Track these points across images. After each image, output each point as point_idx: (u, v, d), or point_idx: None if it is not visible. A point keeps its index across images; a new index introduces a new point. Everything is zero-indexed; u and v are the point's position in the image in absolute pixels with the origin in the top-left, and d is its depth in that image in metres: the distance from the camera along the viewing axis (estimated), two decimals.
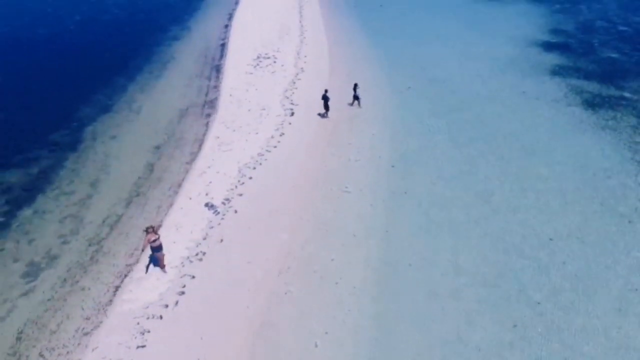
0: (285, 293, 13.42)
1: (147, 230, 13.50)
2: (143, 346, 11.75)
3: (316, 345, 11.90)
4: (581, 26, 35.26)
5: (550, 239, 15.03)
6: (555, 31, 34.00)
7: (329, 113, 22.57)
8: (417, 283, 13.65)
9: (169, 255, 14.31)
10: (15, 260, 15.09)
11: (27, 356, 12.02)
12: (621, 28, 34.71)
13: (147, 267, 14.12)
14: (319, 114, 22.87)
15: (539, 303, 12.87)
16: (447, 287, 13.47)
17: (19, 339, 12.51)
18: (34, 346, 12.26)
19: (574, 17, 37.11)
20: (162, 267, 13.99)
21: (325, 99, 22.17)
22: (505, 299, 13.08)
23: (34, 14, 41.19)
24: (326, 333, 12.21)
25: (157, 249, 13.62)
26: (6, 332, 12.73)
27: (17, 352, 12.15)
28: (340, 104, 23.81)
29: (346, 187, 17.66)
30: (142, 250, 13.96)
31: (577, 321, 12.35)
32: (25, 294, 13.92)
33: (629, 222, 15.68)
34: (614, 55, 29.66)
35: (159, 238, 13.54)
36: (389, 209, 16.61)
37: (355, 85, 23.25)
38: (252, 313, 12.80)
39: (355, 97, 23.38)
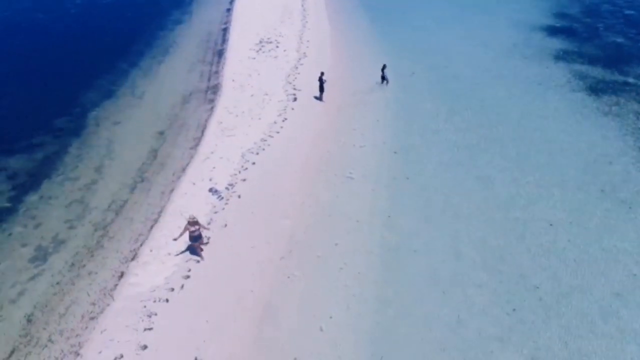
0: (289, 277, 13.64)
1: (189, 222, 13.71)
2: (150, 329, 12.01)
3: (321, 330, 12.14)
4: (586, 10, 34.93)
5: (551, 225, 15.19)
6: (559, 15, 33.70)
7: (324, 96, 22.77)
8: (420, 268, 13.85)
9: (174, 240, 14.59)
10: (23, 245, 15.33)
11: (38, 338, 12.32)
12: (627, 12, 34.38)
13: (182, 252, 14.33)
14: (315, 97, 22.93)
15: (537, 287, 13.08)
16: (448, 272, 13.68)
17: (29, 321, 12.81)
18: (44, 328, 12.55)
19: (579, 1, 36.72)
20: (200, 251, 14.22)
21: (320, 81, 22.29)
22: (505, 283, 13.29)
23: None
24: (331, 318, 12.44)
25: (195, 239, 13.98)
26: (17, 314, 13.02)
27: (29, 334, 12.46)
28: (344, 89, 23.84)
29: (350, 173, 17.76)
30: (176, 239, 13.97)
31: (576, 306, 12.57)
32: (34, 277, 14.18)
33: (630, 208, 15.81)
34: (619, 39, 29.46)
35: (198, 228, 13.86)
36: (392, 194, 16.75)
37: (384, 65, 23.86)
38: (257, 297, 13.04)
39: (383, 77, 24.01)
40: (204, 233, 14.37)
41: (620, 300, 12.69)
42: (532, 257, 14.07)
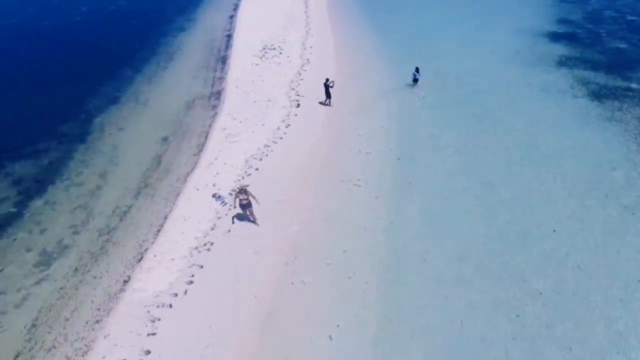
0: (293, 283, 13.66)
1: (239, 190, 14.82)
2: (153, 334, 12.07)
3: (330, 339, 12.12)
4: (589, 16, 34.95)
5: (554, 230, 15.17)
6: (562, 21, 33.74)
7: (332, 101, 22.85)
8: (424, 275, 13.83)
9: (178, 246, 14.66)
10: (28, 250, 15.45)
11: (43, 342, 12.41)
12: (630, 18, 34.37)
13: (233, 219, 15.76)
14: (320, 102, 23.05)
15: (541, 293, 13.06)
16: (451, 278, 13.67)
17: (34, 325, 12.90)
18: (48, 332, 12.65)
19: (581, 7, 36.78)
20: (254, 219, 15.52)
21: (326, 87, 22.39)
22: (508, 289, 13.26)
23: (39, 6, 41.37)
24: (338, 326, 12.44)
25: (246, 206, 15.10)
26: (21, 319, 13.13)
27: (33, 339, 12.55)
28: (347, 95, 23.91)
29: (358, 180, 17.73)
30: (234, 207, 15.33)
31: (579, 312, 12.53)
32: (39, 282, 14.29)
33: (633, 214, 15.76)
34: (621, 45, 29.44)
35: (247, 197, 14.94)
36: (397, 201, 16.74)
37: (417, 68, 24.42)
38: (260, 302, 13.08)
39: (415, 80, 24.52)
40: (255, 205, 15.33)
41: (624, 306, 12.65)
42: (536, 262, 14.04)
